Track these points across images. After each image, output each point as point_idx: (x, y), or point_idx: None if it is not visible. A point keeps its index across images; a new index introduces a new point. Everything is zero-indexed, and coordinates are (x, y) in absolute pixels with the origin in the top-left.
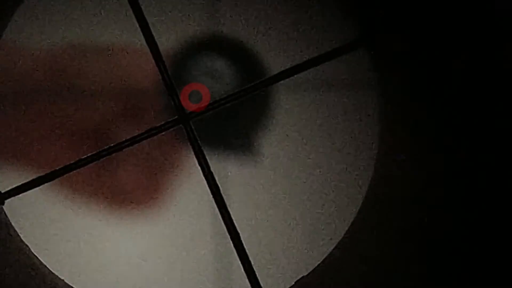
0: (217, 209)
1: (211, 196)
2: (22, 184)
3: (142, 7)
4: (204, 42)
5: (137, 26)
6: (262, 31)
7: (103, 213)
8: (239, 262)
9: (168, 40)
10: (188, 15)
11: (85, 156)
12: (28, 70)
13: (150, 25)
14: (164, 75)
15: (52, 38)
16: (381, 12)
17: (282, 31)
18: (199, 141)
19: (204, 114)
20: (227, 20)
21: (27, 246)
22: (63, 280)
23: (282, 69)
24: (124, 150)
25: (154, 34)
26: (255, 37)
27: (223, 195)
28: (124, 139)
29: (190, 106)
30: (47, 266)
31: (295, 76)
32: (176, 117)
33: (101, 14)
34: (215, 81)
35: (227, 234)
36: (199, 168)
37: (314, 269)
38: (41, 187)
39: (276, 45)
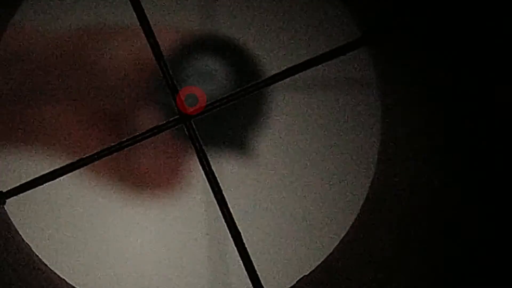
0: (218, 208)
1: (212, 195)
2: (23, 184)
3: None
4: (200, 43)
5: (135, 29)
6: (259, 32)
7: (107, 210)
8: (240, 262)
9: (163, 41)
10: (183, 15)
11: (86, 155)
12: (36, 57)
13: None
14: (166, 74)
15: (62, 25)
16: (381, 12)
17: (280, 31)
18: (200, 140)
19: (205, 113)
20: (223, 20)
21: (28, 245)
22: (64, 279)
23: (279, 69)
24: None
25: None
26: (252, 38)
27: (224, 194)
28: (125, 139)
29: (186, 109)
30: (48, 265)
31: (296, 75)
32: (177, 116)
33: (100, 18)
34: (211, 82)
35: (228, 233)
36: (199, 167)
37: (316, 268)
38: (42, 186)
39: (273, 46)
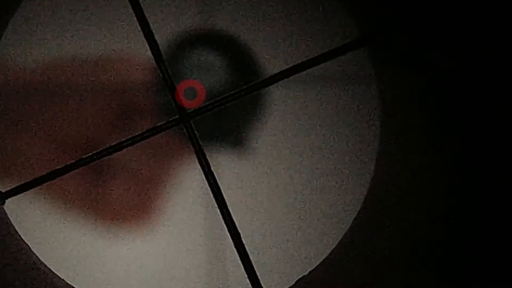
0: (217, 209)
1: (211, 195)
2: (22, 184)
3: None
4: (199, 39)
5: (133, 29)
6: (257, 27)
7: (100, 223)
8: (240, 262)
9: (162, 35)
10: (182, 10)
11: (86, 155)
12: (26, 75)
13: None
14: (165, 74)
15: (51, 41)
16: (381, 12)
17: (278, 26)
18: (199, 141)
19: (204, 113)
20: (221, 15)
21: (27, 245)
22: (63, 279)
23: (278, 64)
24: (124, 150)
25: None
26: (250, 33)
27: (223, 194)
28: (124, 139)
29: (186, 102)
30: (48, 265)
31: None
32: (177, 116)
33: (97, 18)
34: (209, 77)
35: (227, 233)
36: (198, 167)
37: (315, 268)
38: (41, 187)
39: (271, 41)
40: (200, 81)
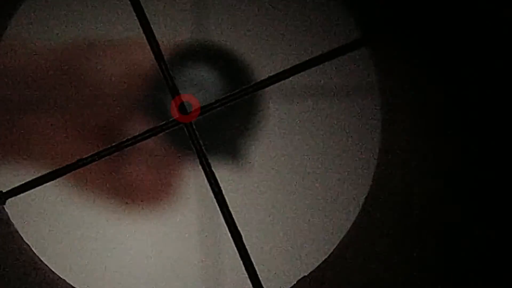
0: (218, 209)
1: (212, 196)
2: (23, 184)
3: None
4: (193, 52)
5: (134, 28)
6: (254, 39)
7: (106, 211)
8: (241, 262)
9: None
10: (176, 25)
11: (86, 156)
12: (29, 68)
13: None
14: (166, 74)
15: (54, 37)
16: (381, 12)
17: (277, 37)
18: (200, 141)
19: (203, 114)
20: (216, 28)
21: (28, 245)
22: (64, 280)
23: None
24: (128, 148)
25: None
26: (247, 46)
27: (224, 195)
28: (124, 139)
29: (180, 117)
30: (48, 265)
31: (293, 81)
32: (177, 116)
33: (103, 13)
34: (204, 91)
35: (228, 234)
36: (194, 172)
37: (315, 268)
38: (43, 186)
39: (269, 53)
40: (195, 95)
